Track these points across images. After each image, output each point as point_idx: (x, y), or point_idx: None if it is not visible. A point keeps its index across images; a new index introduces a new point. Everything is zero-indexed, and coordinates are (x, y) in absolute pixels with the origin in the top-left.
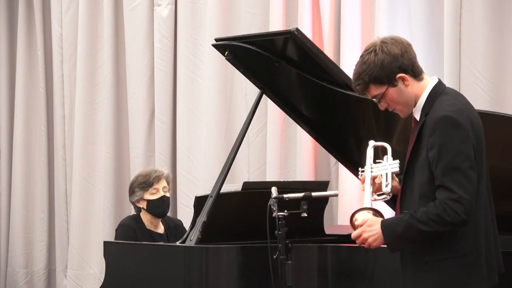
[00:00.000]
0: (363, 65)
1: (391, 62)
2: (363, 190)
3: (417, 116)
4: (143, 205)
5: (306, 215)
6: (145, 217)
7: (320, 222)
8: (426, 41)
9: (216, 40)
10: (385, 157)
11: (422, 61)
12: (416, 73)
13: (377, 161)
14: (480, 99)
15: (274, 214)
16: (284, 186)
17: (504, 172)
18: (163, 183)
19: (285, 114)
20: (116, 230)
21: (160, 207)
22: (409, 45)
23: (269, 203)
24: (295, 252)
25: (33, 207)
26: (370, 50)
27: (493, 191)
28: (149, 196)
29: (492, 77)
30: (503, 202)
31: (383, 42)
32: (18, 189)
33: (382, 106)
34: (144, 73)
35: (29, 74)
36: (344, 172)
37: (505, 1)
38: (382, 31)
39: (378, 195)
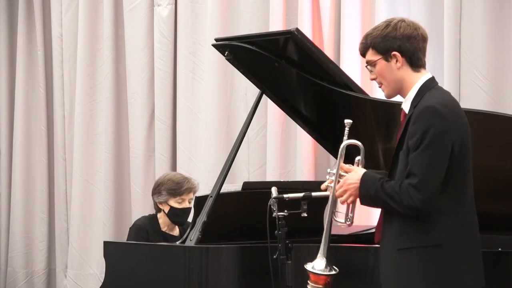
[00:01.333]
0: (374, 29)
1: (394, 38)
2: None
3: (406, 108)
4: (165, 208)
5: (306, 215)
6: (162, 219)
7: (320, 222)
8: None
9: (216, 40)
10: (356, 158)
11: None
12: (414, 62)
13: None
14: (480, 99)
15: (274, 214)
16: (284, 186)
17: (503, 172)
18: (192, 195)
19: (285, 114)
20: (130, 228)
21: (181, 217)
22: (424, 37)
23: (269, 203)
24: (295, 252)
25: (33, 207)
26: (387, 21)
27: (493, 191)
28: (174, 203)
29: (492, 77)
30: (503, 202)
31: (401, 20)
32: (18, 189)
33: (371, 75)
34: (144, 73)
35: (29, 74)
36: None
37: (505, 1)
38: None
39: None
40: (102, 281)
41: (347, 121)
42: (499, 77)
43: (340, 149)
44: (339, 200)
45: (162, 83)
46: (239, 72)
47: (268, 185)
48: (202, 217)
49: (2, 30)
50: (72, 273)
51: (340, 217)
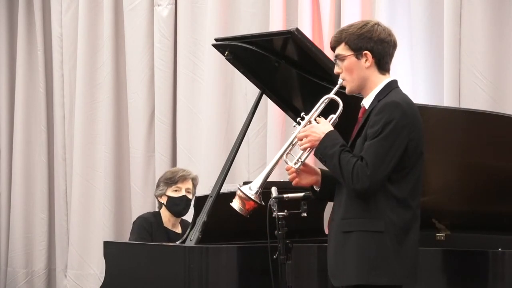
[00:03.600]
0: (350, 26)
1: (369, 38)
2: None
3: (367, 104)
4: (163, 200)
5: (306, 215)
6: (164, 214)
7: (320, 222)
8: (426, 41)
9: (216, 40)
10: (330, 116)
11: (422, 61)
12: (381, 65)
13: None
14: (480, 99)
15: (274, 214)
16: (284, 186)
17: (503, 172)
18: (188, 184)
19: (285, 114)
20: (133, 222)
21: (178, 205)
22: (394, 44)
23: (269, 203)
24: (295, 252)
25: (33, 207)
26: (364, 21)
27: (493, 191)
28: (171, 193)
29: (492, 77)
30: (502, 202)
31: (378, 23)
32: (18, 189)
33: (336, 68)
34: (144, 73)
35: (29, 74)
36: None
37: (505, 1)
38: None
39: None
40: (102, 281)
41: (340, 81)
42: (499, 77)
43: (321, 99)
44: (298, 144)
45: (162, 83)
46: (239, 72)
47: (268, 185)
48: (202, 217)
49: (2, 30)
50: (72, 273)
51: (291, 160)
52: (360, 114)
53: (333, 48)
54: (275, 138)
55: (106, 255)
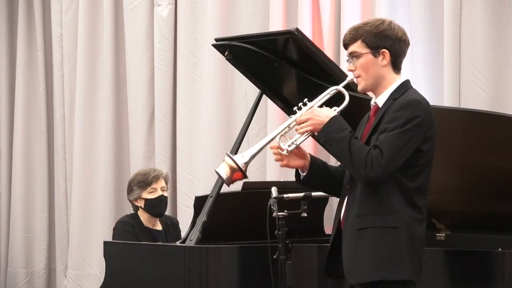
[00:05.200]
0: (366, 24)
1: (387, 37)
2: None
3: (381, 102)
4: (140, 204)
5: (306, 215)
6: (142, 215)
7: (320, 222)
8: (426, 41)
9: (216, 40)
10: (334, 108)
11: (422, 61)
12: (396, 65)
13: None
14: (480, 99)
15: (274, 214)
16: (284, 186)
17: (503, 172)
18: (162, 182)
19: (285, 114)
20: (114, 228)
21: (157, 207)
22: (408, 43)
23: (269, 203)
24: (295, 252)
25: (33, 207)
26: (379, 19)
27: (492, 191)
28: (147, 195)
29: (492, 77)
30: (503, 202)
31: (393, 22)
32: (18, 189)
33: (350, 65)
34: (144, 73)
35: (29, 74)
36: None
37: (505, 1)
38: None
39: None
40: (102, 281)
41: (352, 77)
42: (499, 77)
43: (328, 89)
44: (296, 127)
45: (162, 83)
46: (239, 72)
47: (268, 185)
48: (202, 217)
49: (2, 30)
50: (72, 273)
51: (284, 141)
52: (371, 113)
53: (347, 45)
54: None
55: (106, 255)
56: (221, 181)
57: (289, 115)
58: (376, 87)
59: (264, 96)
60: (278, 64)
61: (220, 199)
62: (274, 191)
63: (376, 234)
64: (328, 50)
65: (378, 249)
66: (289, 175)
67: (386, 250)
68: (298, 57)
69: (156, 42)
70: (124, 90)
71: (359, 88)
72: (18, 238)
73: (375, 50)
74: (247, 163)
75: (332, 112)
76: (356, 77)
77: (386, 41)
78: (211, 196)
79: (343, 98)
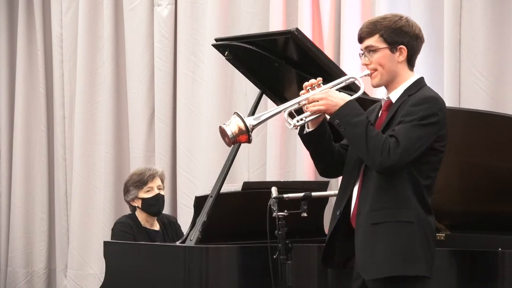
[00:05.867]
0: (384, 19)
1: (406, 33)
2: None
3: (394, 97)
4: (137, 203)
5: (306, 215)
6: (140, 215)
7: (320, 222)
8: (426, 41)
9: (216, 40)
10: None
11: (422, 61)
12: (411, 61)
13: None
14: (480, 99)
15: (274, 214)
16: (284, 186)
17: (503, 172)
18: (158, 181)
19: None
20: (112, 229)
21: (155, 206)
22: (423, 41)
23: (269, 203)
24: (295, 252)
25: (33, 207)
26: (397, 15)
27: (492, 191)
28: (143, 194)
29: (492, 77)
30: (502, 202)
31: (410, 18)
32: (18, 189)
33: (364, 60)
34: (144, 73)
35: (29, 74)
36: None
37: (505, 1)
38: None
39: (291, 115)
40: (102, 281)
41: (366, 72)
42: (499, 77)
43: (345, 76)
44: (307, 105)
45: (162, 83)
46: (239, 72)
47: (268, 185)
48: (202, 217)
49: (2, 30)
50: (72, 273)
51: (291, 118)
52: (383, 108)
53: (363, 39)
54: (275, 138)
55: (106, 255)
56: (221, 181)
57: (289, 115)
58: (390, 83)
59: (264, 96)
60: (278, 64)
61: (220, 199)
62: (274, 191)
63: (391, 229)
64: (328, 50)
65: (393, 244)
66: (289, 175)
67: (402, 245)
68: (298, 57)
69: (156, 42)
70: (124, 90)
71: (373, 82)
72: (18, 238)
73: (392, 45)
74: (253, 128)
75: (347, 96)
76: (372, 72)
77: (404, 37)
78: (211, 196)
79: (359, 87)
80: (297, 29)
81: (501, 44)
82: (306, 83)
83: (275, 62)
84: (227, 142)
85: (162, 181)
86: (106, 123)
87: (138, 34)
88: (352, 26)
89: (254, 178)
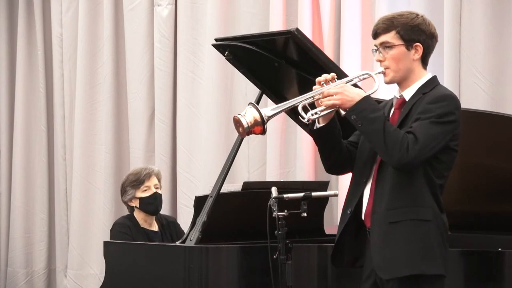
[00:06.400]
0: (402, 15)
1: (422, 31)
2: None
3: (408, 95)
4: (135, 203)
5: (306, 215)
6: (138, 216)
7: (320, 222)
8: None
9: (216, 40)
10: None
11: None
12: (425, 60)
13: None
14: (480, 99)
15: (274, 214)
16: (284, 186)
17: (503, 171)
18: (154, 180)
19: (286, 114)
20: (111, 230)
21: (152, 204)
22: (437, 40)
23: (269, 203)
24: (295, 252)
25: (33, 207)
26: (413, 12)
27: (492, 190)
28: (140, 194)
29: (492, 77)
30: (502, 202)
31: (426, 17)
32: (18, 189)
33: (378, 56)
34: (144, 73)
35: (29, 74)
36: None
37: (505, 1)
38: None
39: (304, 109)
40: (102, 281)
41: (380, 69)
42: (499, 77)
43: (360, 72)
44: (321, 99)
45: (162, 83)
46: (239, 72)
47: (268, 185)
48: (202, 217)
49: (2, 30)
50: (72, 273)
51: (305, 112)
52: (396, 106)
53: (378, 35)
54: (275, 138)
55: (106, 255)
56: (221, 181)
57: (289, 115)
58: (403, 80)
59: (264, 96)
60: (278, 64)
61: (220, 199)
62: (274, 191)
63: (410, 227)
64: (328, 50)
65: (412, 243)
66: (289, 175)
67: (420, 244)
68: (298, 57)
69: (156, 42)
70: (124, 90)
71: (387, 79)
72: (18, 238)
73: (408, 43)
74: (267, 120)
75: (363, 92)
76: (385, 68)
77: (421, 35)
78: (211, 196)
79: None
80: (297, 29)
81: (501, 44)
82: (319, 78)
83: (275, 62)
84: (241, 132)
85: (159, 180)
86: (106, 123)
87: (138, 34)
88: (352, 26)
89: (254, 178)
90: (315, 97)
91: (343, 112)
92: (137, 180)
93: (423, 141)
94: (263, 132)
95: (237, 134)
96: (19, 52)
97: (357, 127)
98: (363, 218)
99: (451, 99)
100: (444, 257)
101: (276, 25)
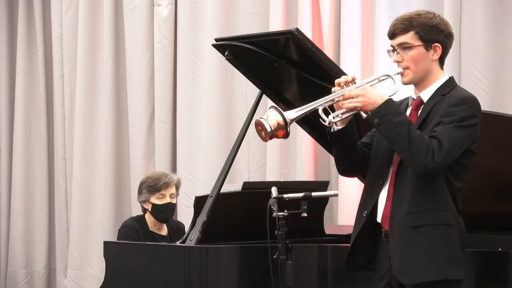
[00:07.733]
0: (420, 15)
1: (441, 31)
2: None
3: (426, 96)
4: (148, 207)
5: (306, 215)
6: (149, 219)
7: (320, 222)
8: None
9: (216, 40)
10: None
11: None
12: (443, 60)
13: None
14: (480, 99)
15: (274, 214)
16: (284, 186)
17: (503, 172)
18: (172, 189)
19: None
20: (119, 230)
21: (163, 213)
22: (453, 39)
23: (269, 203)
24: (295, 252)
25: (33, 207)
26: (430, 11)
27: (493, 191)
28: (155, 200)
29: (492, 77)
30: (502, 202)
31: (443, 16)
32: (18, 189)
33: (397, 57)
34: (144, 73)
35: (29, 74)
36: None
37: (505, 1)
38: (382, 31)
39: (325, 111)
40: (102, 281)
41: (398, 70)
42: (499, 77)
43: (379, 74)
44: (342, 102)
45: (162, 83)
46: (239, 72)
47: (268, 185)
48: (202, 217)
49: (2, 30)
50: (72, 273)
51: (326, 115)
52: (413, 107)
53: (395, 35)
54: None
55: (106, 255)
56: (221, 181)
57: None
58: (421, 81)
59: (264, 96)
60: (278, 64)
61: (220, 199)
62: (274, 191)
63: (432, 232)
64: (328, 50)
65: (436, 248)
66: (289, 175)
67: (444, 249)
68: (298, 57)
69: (156, 42)
70: (124, 90)
71: (405, 80)
72: (18, 238)
73: (427, 43)
74: (290, 123)
75: (385, 94)
76: (404, 69)
77: (439, 35)
78: (211, 196)
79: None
80: (297, 29)
81: (501, 44)
82: (339, 79)
83: (275, 62)
84: (263, 136)
85: (177, 189)
86: (106, 123)
87: (138, 34)
88: (352, 26)
89: (254, 178)
90: (335, 100)
91: (364, 115)
92: (154, 186)
93: (448, 146)
94: (286, 135)
95: (237, 134)
96: (19, 52)
97: (380, 131)
98: (379, 220)
99: (473, 102)
100: (463, 261)
101: (276, 25)
